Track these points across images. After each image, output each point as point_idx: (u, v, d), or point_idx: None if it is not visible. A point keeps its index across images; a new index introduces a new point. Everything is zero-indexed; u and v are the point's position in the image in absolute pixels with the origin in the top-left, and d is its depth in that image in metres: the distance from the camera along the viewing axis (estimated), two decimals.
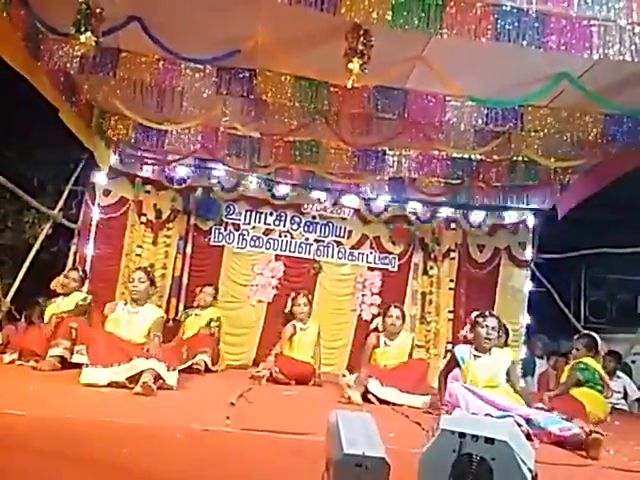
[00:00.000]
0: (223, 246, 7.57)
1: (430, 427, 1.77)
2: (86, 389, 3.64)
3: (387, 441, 1.78)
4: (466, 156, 6.52)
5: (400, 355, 5.36)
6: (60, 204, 6.82)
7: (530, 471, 1.59)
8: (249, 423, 2.81)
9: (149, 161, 7.22)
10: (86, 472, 1.88)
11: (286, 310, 6.05)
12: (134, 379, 3.78)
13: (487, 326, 4.15)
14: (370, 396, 4.63)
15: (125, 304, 4.73)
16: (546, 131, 5.39)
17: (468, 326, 5.24)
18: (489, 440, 1.57)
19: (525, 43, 4.02)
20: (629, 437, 3.89)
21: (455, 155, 6.52)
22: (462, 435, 1.59)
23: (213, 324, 6.20)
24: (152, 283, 4.82)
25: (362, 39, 4.19)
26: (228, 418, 2.85)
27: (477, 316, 4.30)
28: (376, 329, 5.60)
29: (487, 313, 4.30)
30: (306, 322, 5.94)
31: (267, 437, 2.62)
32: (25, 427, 2.36)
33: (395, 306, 5.57)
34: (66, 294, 5.46)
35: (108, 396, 3.49)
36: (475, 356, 4.16)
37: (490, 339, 4.14)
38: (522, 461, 1.57)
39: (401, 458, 1.79)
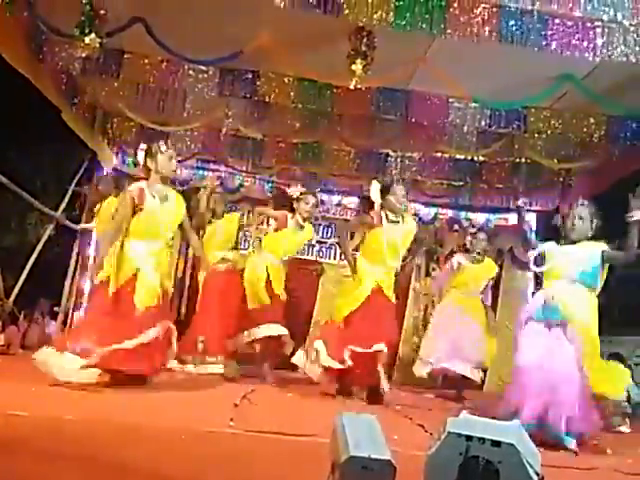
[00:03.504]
0: None
1: (435, 430, 1.76)
2: (88, 389, 3.62)
3: (391, 443, 1.78)
4: (469, 158, 6.53)
5: (405, 235, 4.53)
6: (63, 205, 6.83)
7: (537, 474, 1.58)
8: (253, 424, 2.80)
9: None
10: (89, 473, 1.87)
11: None
12: None
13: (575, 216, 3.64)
14: None
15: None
16: (549, 132, 5.41)
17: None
18: (496, 443, 1.56)
19: (529, 44, 4.03)
20: (633, 440, 3.87)
21: (458, 157, 6.52)
22: (469, 438, 1.58)
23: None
24: None
25: (365, 40, 4.21)
26: (232, 419, 2.84)
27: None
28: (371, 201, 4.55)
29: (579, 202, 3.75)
30: None
31: (271, 439, 2.61)
32: (28, 428, 2.35)
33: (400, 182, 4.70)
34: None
35: (111, 396, 3.48)
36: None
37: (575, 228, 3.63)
38: (529, 464, 1.56)
39: (406, 461, 1.78)
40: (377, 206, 4.45)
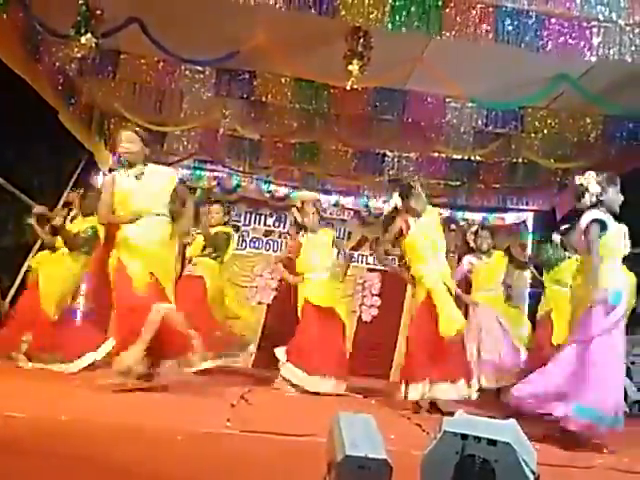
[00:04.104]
0: None
1: (432, 429, 1.76)
2: (84, 390, 3.61)
3: (388, 443, 1.78)
4: (466, 158, 6.53)
5: (436, 225, 4.69)
6: (60, 206, 6.81)
7: (533, 473, 1.58)
8: (250, 425, 2.80)
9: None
10: (86, 474, 1.87)
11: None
12: None
13: None
14: None
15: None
16: (546, 132, 5.40)
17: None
18: (492, 442, 1.56)
19: (525, 45, 4.03)
20: (630, 438, 3.88)
21: (455, 157, 6.52)
22: (465, 437, 1.58)
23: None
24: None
25: (362, 41, 4.21)
26: (229, 420, 2.84)
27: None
28: (396, 208, 4.70)
29: None
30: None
31: (268, 439, 2.61)
32: (26, 429, 2.35)
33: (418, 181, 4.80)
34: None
35: (108, 397, 3.48)
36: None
37: None
38: (525, 463, 1.56)
39: (403, 460, 1.78)
40: (401, 213, 4.59)
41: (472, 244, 5.93)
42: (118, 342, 3.77)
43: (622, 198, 3.56)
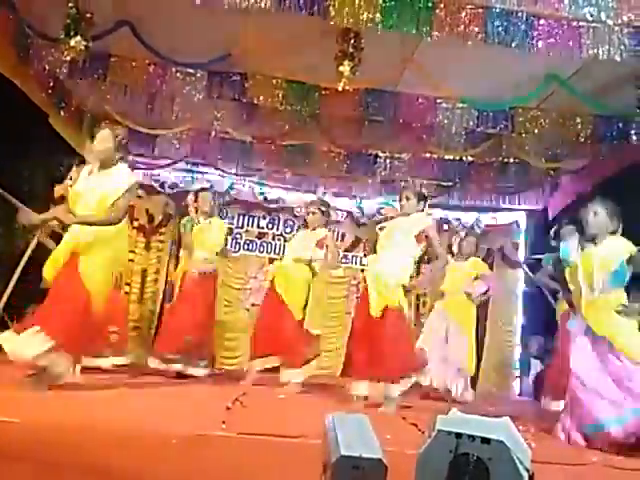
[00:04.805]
0: None
1: (427, 428, 1.77)
2: (79, 394, 3.59)
3: (384, 443, 1.78)
4: (458, 158, 6.55)
5: (407, 230, 4.40)
6: (51, 209, 6.77)
7: (527, 470, 1.59)
8: (245, 427, 2.80)
9: (141, 166, 7.20)
10: (80, 479, 1.86)
11: None
12: None
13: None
14: None
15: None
16: (536, 132, 5.42)
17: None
18: (485, 440, 1.57)
19: (515, 45, 4.05)
20: None
21: (447, 157, 6.54)
22: (458, 435, 1.59)
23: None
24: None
25: (353, 42, 4.22)
26: (224, 422, 2.83)
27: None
28: None
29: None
30: None
31: (263, 441, 2.61)
32: (19, 435, 2.34)
33: (405, 187, 4.65)
34: None
35: (102, 400, 3.46)
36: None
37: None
38: (519, 460, 1.57)
39: (398, 459, 1.78)
40: None
41: (455, 248, 5.96)
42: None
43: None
